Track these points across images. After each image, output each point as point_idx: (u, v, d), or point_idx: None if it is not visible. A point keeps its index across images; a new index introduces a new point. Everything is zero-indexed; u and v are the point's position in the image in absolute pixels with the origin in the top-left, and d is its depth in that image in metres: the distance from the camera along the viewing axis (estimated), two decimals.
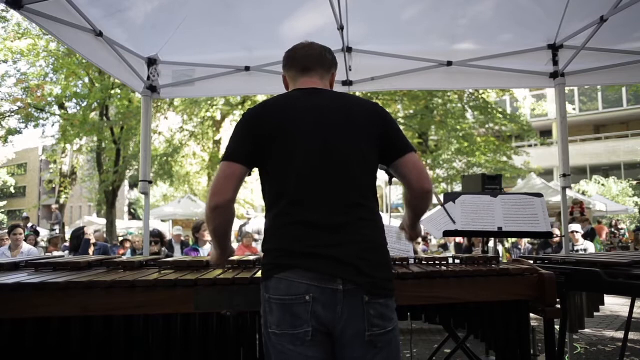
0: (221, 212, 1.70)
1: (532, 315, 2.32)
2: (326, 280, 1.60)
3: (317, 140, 1.70)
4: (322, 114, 1.75)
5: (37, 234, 12.06)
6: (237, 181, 1.70)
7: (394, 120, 1.85)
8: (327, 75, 1.94)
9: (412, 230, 2.07)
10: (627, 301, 3.22)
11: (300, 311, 1.60)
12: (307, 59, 1.90)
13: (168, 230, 12.86)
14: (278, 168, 1.71)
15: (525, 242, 9.48)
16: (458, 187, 15.63)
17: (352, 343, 1.62)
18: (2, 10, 14.96)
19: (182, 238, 8.78)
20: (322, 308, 1.60)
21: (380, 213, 1.82)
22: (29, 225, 13.13)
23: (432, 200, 1.90)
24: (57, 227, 15.89)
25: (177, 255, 7.49)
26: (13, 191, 40.62)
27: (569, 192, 6.62)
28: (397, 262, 2.51)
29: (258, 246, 8.77)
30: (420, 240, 13.01)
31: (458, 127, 14.89)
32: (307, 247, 1.62)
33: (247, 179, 1.76)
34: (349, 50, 4.18)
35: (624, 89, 25.13)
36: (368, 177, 1.76)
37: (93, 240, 6.77)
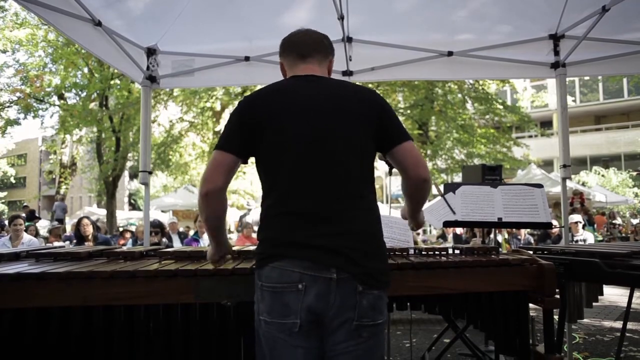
0: (212, 199, 1.70)
1: (531, 305, 2.32)
2: (320, 268, 1.60)
3: (309, 129, 1.69)
4: (316, 102, 1.73)
5: (34, 218, 12.03)
6: (227, 170, 1.70)
7: (391, 108, 1.83)
8: (325, 61, 1.91)
9: (413, 219, 2.09)
10: (625, 291, 3.23)
11: (291, 300, 1.60)
12: (305, 45, 1.88)
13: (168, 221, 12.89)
14: (270, 158, 1.71)
15: (524, 233, 9.48)
16: (458, 178, 15.61)
17: (338, 329, 1.63)
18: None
19: (181, 229, 8.77)
20: (315, 297, 1.60)
21: (379, 203, 1.81)
22: (29, 211, 13.14)
23: (430, 189, 1.88)
24: (50, 218, 15.79)
25: (176, 245, 7.51)
26: (13, 181, 40.65)
27: (569, 183, 6.63)
28: (396, 252, 2.51)
29: None
30: (421, 231, 13.03)
31: (458, 118, 14.85)
32: (300, 237, 1.63)
33: (245, 169, 1.76)
34: (349, 40, 4.15)
35: (624, 80, 25.03)
36: (362, 165, 1.75)
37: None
